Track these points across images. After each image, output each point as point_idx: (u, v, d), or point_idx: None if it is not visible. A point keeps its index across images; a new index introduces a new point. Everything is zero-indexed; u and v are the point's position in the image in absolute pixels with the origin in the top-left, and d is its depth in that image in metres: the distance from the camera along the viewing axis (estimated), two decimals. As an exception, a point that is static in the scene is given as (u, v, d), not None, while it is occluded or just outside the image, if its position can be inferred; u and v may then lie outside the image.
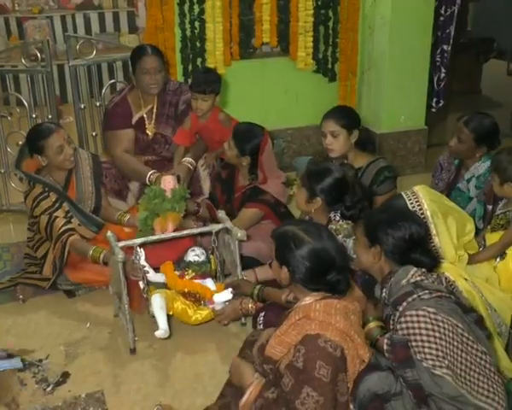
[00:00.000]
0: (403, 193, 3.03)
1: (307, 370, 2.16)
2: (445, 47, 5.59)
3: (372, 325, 2.53)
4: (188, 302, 3.27)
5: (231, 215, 3.62)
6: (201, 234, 3.67)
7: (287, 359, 2.30)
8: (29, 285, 3.76)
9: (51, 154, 3.64)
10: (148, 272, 3.28)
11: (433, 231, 2.87)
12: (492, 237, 3.33)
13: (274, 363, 2.35)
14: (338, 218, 3.22)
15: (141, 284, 3.28)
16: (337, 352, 2.18)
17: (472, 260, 3.11)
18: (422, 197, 2.93)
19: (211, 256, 3.52)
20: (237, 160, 3.81)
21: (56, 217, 3.61)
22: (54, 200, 3.66)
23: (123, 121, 4.31)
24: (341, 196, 3.23)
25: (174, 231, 3.46)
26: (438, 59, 5.64)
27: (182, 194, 3.57)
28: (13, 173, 4.66)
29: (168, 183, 3.66)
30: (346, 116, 3.79)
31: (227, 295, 3.25)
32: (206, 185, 4.36)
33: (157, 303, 3.16)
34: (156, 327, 3.12)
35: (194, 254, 3.49)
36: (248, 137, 3.80)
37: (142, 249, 3.27)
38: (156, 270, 3.38)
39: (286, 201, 3.98)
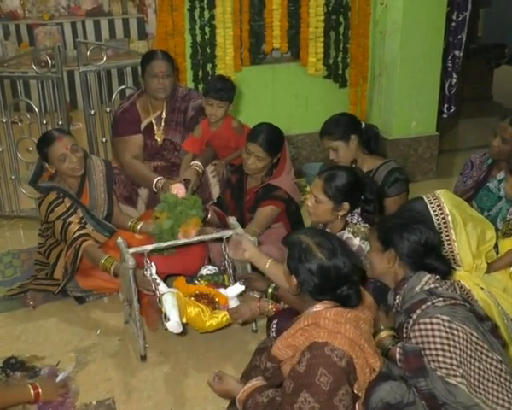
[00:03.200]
0: (424, 196, 3.00)
1: (308, 375, 2.14)
2: (456, 53, 5.58)
3: (384, 334, 2.50)
4: (201, 305, 3.18)
5: (241, 222, 3.60)
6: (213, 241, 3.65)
7: (291, 362, 2.30)
8: (39, 291, 3.75)
9: (55, 162, 3.65)
10: (159, 284, 3.20)
11: (453, 237, 2.85)
12: (505, 244, 3.28)
13: (278, 362, 2.35)
14: (355, 220, 3.19)
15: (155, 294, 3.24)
16: (343, 362, 2.15)
17: (488, 268, 3.06)
18: (444, 202, 2.91)
19: (224, 276, 3.50)
20: (268, 164, 3.83)
21: (71, 222, 3.61)
22: (68, 205, 3.66)
23: (131, 127, 4.31)
24: (361, 191, 3.22)
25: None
26: (449, 65, 5.63)
27: (199, 200, 3.58)
28: (23, 179, 4.66)
29: (179, 190, 3.67)
30: (338, 128, 3.76)
31: (239, 287, 3.21)
32: (215, 191, 4.33)
33: (168, 301, 3.07)
34: (169, 335, 3.11)
35: (207, 270, 3.49)
36: (275, 136, 3.83)
37: (152, 262, 3.22)
38: (167, 279, 3.35)
39: (298, 199, 3.99)
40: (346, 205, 3.16)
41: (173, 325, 3.02)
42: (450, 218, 2.87)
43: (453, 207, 2.91)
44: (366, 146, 3.83)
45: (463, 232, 2.88)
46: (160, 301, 3.15)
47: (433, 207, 2.91)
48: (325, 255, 2.33)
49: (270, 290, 3.06)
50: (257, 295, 3.23)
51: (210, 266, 3.56)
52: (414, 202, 3.09)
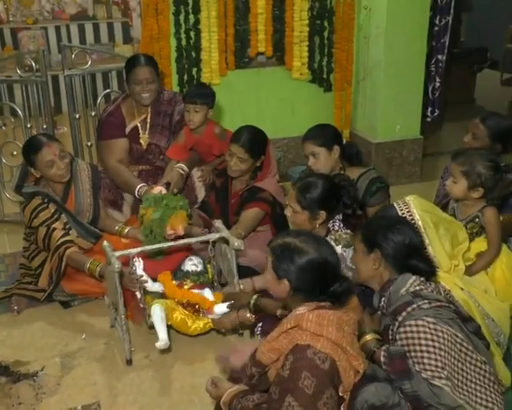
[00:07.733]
0: (395, 203, 3.04)
1: (292, 379, 2.14)
2: (439, 57, 5.63)
3: (368, 337, 2.49)
4: (187, 312, 3.26)
5: (226, 226, 3.60)
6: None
7: (276, 366, 2.29)
8: (24, 296, 3.72)
9: (42, 168, 3.63)
10: (146, 282, 3.26)
11: (426, 241, 2.87)
12: (474, 247, 3.25)
13: (263, 367, 2.34)
14: (337, 227, 3.20)
15: (138, 294, 3.27)
16: (325, 365, 2.15)
17: (467, 271, 3.09)
18: (414, 207, 2.94)
19: (208, 265, 3.51)
20: (251, 166, 3.83)
21: (54, 228, 3.59)
22: (53, 211, 3.65)
23: (116, 131, 4.29)
24: (339, 198, 3.23)
25: (180, 237, 3.46)
26: (432, 69, 5.68)
27: (183, 198, 3.62)
28: (7, 184, 4.63)
29: (160, 192, 3.68)
30: (323, 135, 3.76)
31: (225, 309, 3.25)
32: (200, 194, 4.33)
33: (157, 314, 3.15)
34: (155, 338, 3.10)
35: (192, 264, 3.49)
36: (258, 138, 3.85)
37: (140, 259, 3.26)
38: (153, 280, 3.36)
39: (283, 201, 3.98)
40: (323, 214, 3.18)
41: (162, 344, 3.09)
42: (420, 222, 2.89)
43: (423, 211, 2.94)
44: (348, 162, 3.84)
45: (435, 235, 2.91)
46: (145, 300, 3.25)
47: (403, 214, 2.94)
48: (313, 249, 2.35)
49: (252, 302, 3.09)
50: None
51: (194, 259, 3.54)
52: (386, 209, 3.12)
